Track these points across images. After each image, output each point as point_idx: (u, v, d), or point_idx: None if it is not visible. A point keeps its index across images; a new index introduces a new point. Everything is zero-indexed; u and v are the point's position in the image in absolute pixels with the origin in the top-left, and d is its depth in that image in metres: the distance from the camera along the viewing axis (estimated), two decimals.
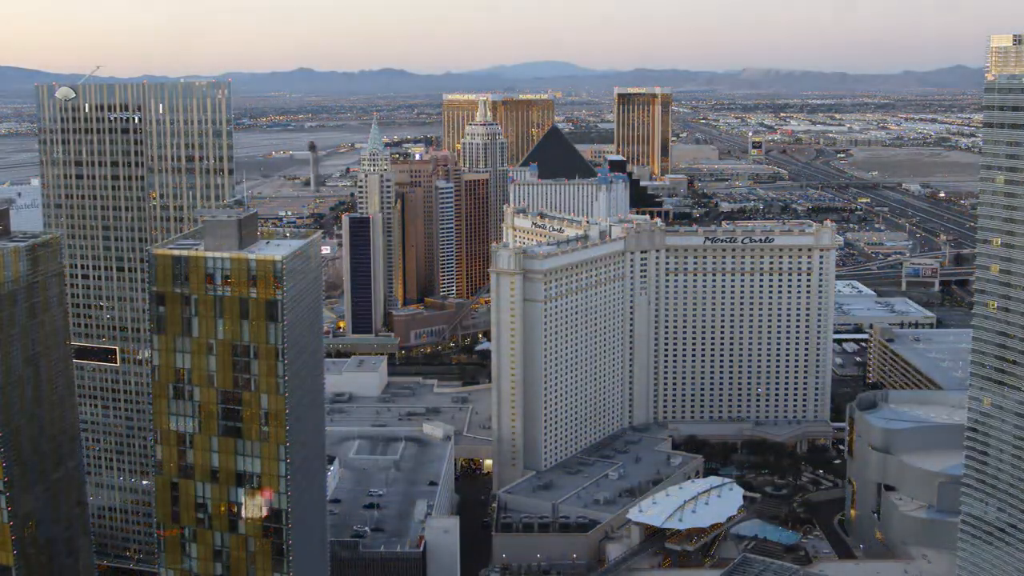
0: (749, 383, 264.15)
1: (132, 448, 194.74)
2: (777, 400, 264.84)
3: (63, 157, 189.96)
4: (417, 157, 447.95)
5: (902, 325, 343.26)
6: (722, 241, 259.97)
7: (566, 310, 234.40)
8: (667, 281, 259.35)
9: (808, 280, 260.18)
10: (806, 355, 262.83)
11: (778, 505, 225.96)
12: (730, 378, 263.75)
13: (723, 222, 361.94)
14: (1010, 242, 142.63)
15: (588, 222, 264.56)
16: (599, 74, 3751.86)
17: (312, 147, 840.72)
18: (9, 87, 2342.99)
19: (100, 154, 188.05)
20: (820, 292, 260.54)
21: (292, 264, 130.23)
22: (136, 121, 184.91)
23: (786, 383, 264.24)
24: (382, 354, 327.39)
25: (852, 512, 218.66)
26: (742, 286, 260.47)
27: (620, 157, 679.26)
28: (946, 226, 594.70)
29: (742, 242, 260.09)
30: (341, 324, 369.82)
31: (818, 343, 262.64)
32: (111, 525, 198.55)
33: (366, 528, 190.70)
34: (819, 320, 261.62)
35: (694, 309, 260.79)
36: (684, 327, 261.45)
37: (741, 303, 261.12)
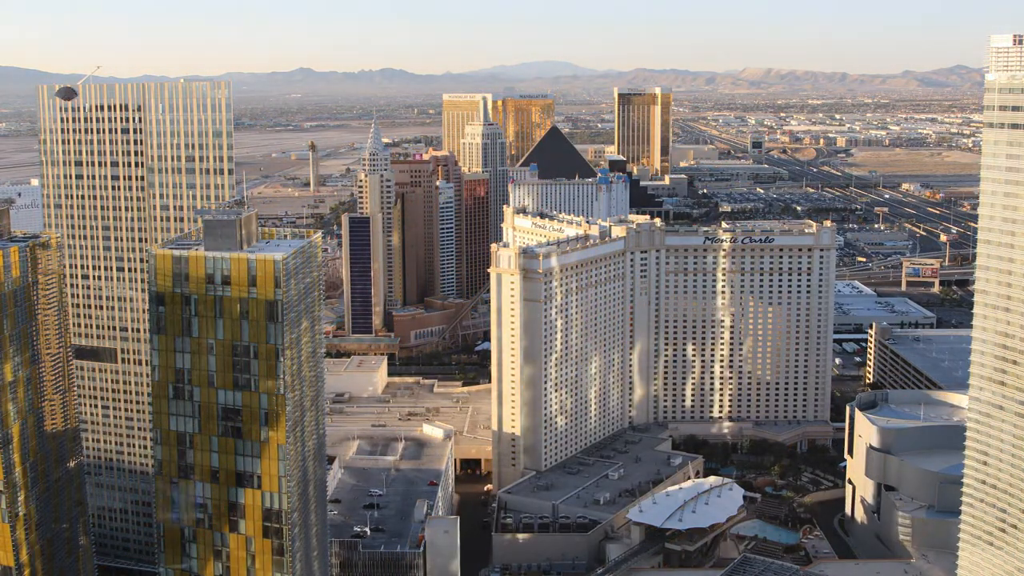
0: (749, 383, 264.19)
1: (132, 448, 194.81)
2: (777, 400, 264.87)
3: (63, 157, 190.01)
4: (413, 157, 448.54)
5: (902, 325, 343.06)
6: (722, 241, 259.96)
7: (566, 310, 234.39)
8: (667, 281, 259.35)
9: (808, 280, 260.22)
10: (806, 355, 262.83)
11: (778, 505, 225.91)
12: (730, 378, 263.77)
13: (723, 222, 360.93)
14: (1010, 242, 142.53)
15: (588, 222, 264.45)
16: (599, 74, 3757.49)
17: (312, 147, 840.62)
18: (9, 87, 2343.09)
19: (100, 154, 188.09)
20: (820, 292, 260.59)
21: (292, 264, 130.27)
22: (136, 121, 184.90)
23: (786, 383, 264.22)
24: (382, 354, 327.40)
25: (852, 512, 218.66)
26: (742, 286, 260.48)
27: (620, 157, 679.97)
28: (946, 226, 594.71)
29: (742, 242, 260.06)
30: (342, 324, 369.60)
31: (818, 343, 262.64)
32: (111, 525, 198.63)
33: (366, 528, 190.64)
34: (819, 320, 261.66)
35: (694, 309, 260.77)
36: (684, 327, 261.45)
37: (741, 303, 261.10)
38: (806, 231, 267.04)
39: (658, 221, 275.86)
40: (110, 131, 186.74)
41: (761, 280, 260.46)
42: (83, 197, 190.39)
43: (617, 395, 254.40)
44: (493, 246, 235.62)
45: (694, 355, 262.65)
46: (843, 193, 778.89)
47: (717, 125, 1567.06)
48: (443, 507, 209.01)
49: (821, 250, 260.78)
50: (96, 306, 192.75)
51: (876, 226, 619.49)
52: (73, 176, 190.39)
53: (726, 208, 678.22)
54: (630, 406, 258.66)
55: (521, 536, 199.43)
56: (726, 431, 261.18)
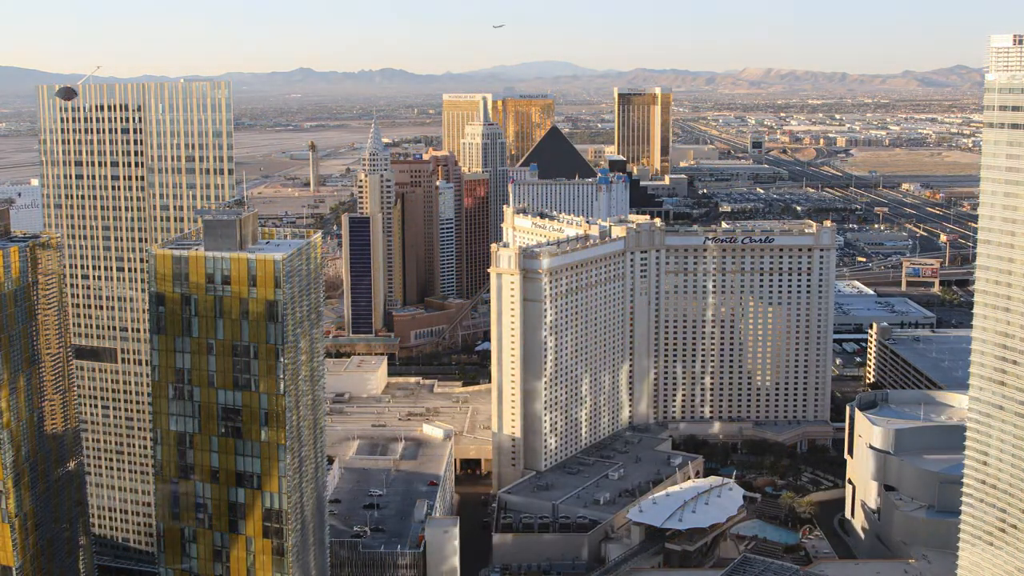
0: (749, 383, 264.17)
1: (132, 448, 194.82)
2: (777, 400, 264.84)
3: (63, 157, 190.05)
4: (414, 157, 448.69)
5: (902, 325, 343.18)
6: (722, 241, 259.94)
7: (566, 310, 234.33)
8: (667, 281, 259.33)
9: (808, 280, 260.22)
10: (806, 355, 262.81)
11: (778, 505, 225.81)
12: (730, 378, 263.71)
13: (723, 222, 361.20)
14: (1010, 242, 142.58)
15: (588, 222, 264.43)
16: (599, 74, 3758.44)
17: (312, 147, 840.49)
18: (9, 87, 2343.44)
19: (100, 154, 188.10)
20: (820, 292, 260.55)
21: (292, 264, 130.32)
22: (136, 121, 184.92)
23: (786, 383, 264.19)
24: (382, 354, 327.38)
25: (852, 512, 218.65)
26: (742, 286, 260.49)
27: (620, 157, 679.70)
28: (946, 226, 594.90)
29: (742, 242, 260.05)
30: (342, 324, 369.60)
31: (818, 343, 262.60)
32: (111, 525, 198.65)
33: (366, 528, 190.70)
34: (819, 320, 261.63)
35: (694, 309, 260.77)
36: (684, 327, 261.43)
37: (741, 303, 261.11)
38: (806, 231, 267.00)
39: (658, 221, 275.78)
40: (110, 131, 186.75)
41: (761, 280, 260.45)
42: (83, 197, 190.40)
43: (617, 395, 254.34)
44: (493, 246, 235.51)
45: (694, 355, 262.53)
46: (843, 193, 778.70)
47: (717, 125, 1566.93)
48: (443, 507, 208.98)
49: (821, 250, 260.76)
50: (96, 306, 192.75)
51: (876, 226, 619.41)
52: (73, 176, 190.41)
53: (726, 208, 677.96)
54: (630, 406, 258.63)
55: (521, 536, 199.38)
56: (726, 431, 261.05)
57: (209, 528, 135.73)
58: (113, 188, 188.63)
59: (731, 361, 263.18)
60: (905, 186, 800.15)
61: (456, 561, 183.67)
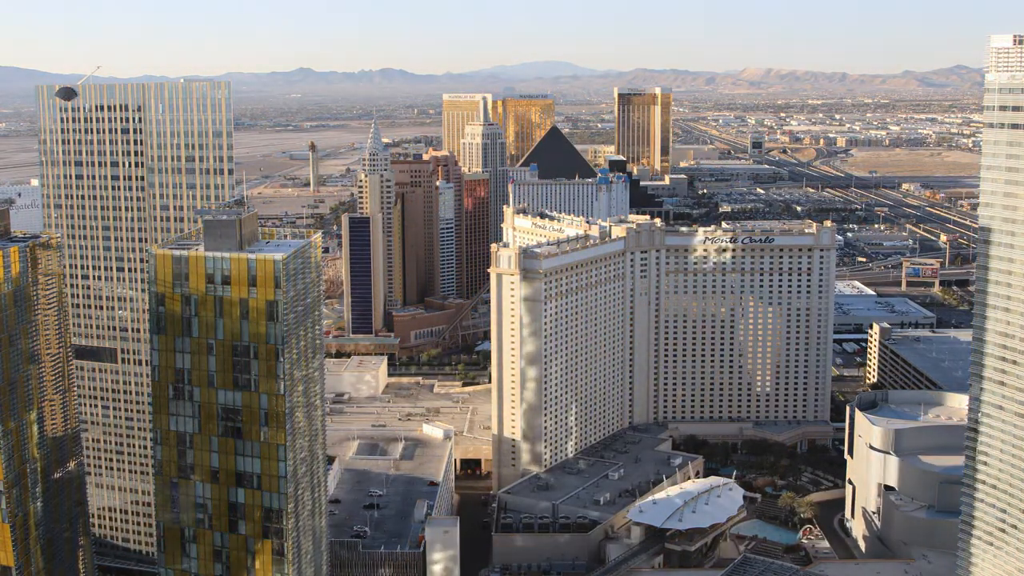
0: (749, 383, 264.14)
1: (132, 448, 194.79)
2: (777, 400, 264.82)
3: (63, 157, 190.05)
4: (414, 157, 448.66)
5: (902, 325, 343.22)
6: (722, 241, 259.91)
7: (566, 310, 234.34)
8: (667, 281, 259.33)
9: (808, 280, 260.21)
10: (806, 355, 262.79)
11: (778, 505, 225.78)
12: (730, 378, 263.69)
13: (723, 222, 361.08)
14: (1010, 242, 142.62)
15: (588, 222, 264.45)
16: (599, 74, 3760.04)
17: (312, 147, 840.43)
18: (9, 87, 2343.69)
19: (100, 154, 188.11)
20: (820, 292, 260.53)
21: (292, 264, 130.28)
22: (136, 121, 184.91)
23: (786, 383, 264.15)
24: (382, 354, 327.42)
25: (852, 512, 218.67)
26: (742, 286, 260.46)
27: (620, 157, 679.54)
28: (946, 226, 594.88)
29: (742, 242, 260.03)
30: (342, 324, 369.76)
31: (818, 343, 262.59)
32: (111, 525, 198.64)
33: (366, 528, 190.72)
34: (819, 320, 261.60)
35: (694, 309, 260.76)
36: (684, 327, 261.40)
37: (741, 303, 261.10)
38: (806, 231, 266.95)
39: (658, 221, 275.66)
40: (110, 131, 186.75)
41: (761, 280, 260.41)
42: (83, 197, 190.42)
43: (617, 395, 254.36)
44: (493, 246, 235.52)
45: (694, 355, 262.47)
46: (843, 193, 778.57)
47: (717, 125, 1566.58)
48: (443, 507, 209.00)
49: (821, 250, 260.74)
50: (96, 306, 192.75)
51: (876, 226, 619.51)
52: (73, 176, 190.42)
53: (726, 208, 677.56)
54: (630, 406, 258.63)
55: (521, 536, 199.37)
56: (726, 431, 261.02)
57: (209, 528, 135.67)
58: (113, 188, 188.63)
59: (731, 361, 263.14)
60: (905, 186, 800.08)
61: (456, 561, 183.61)
